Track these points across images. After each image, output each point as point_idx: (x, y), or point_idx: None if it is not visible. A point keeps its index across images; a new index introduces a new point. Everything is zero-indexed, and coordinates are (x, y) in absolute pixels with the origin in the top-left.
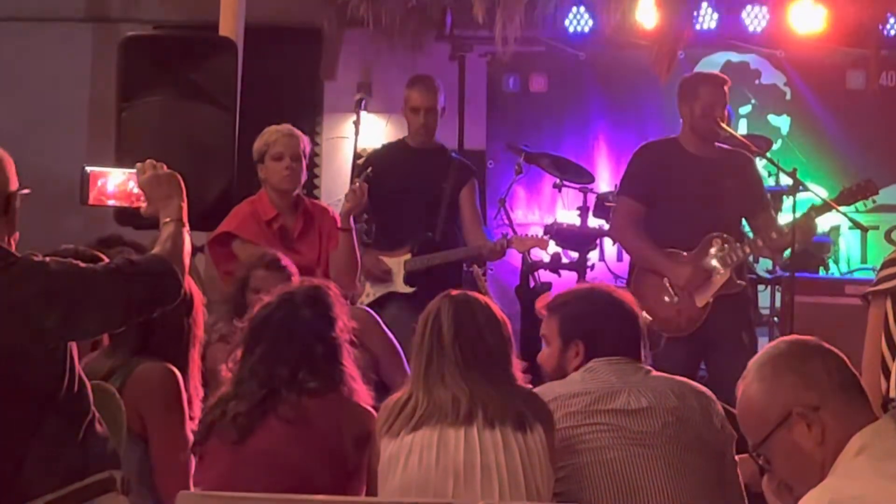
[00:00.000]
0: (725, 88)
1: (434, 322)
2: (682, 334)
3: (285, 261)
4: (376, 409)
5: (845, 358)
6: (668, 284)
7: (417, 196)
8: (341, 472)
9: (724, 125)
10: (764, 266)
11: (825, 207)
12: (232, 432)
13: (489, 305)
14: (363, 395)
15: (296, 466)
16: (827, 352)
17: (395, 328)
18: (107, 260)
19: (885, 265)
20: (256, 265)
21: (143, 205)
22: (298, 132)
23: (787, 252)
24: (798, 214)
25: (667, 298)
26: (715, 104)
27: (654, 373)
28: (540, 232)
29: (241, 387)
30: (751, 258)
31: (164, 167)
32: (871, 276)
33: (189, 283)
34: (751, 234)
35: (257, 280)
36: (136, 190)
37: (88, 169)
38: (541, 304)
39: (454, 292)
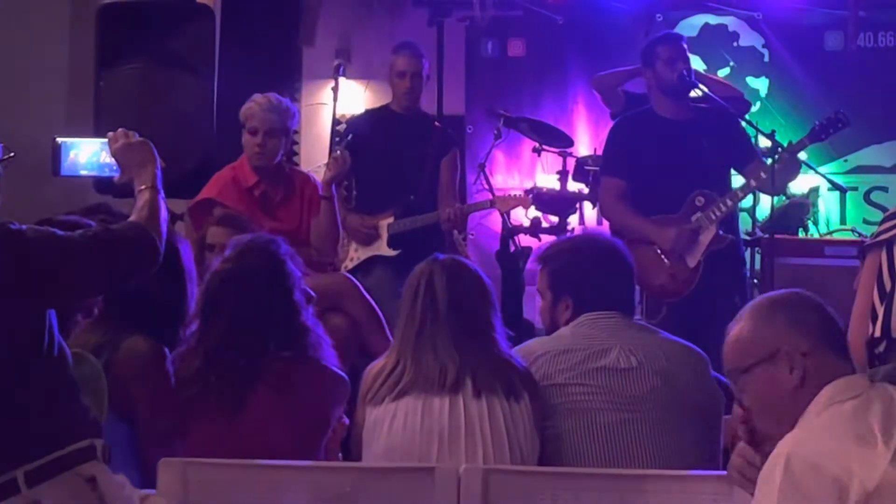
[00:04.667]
0: (682, 44)
1: (427, 288)
2: (679, 298)
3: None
4: (358, 375)
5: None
6: (659, 251)
7: (400, 161)
8: (322, 438)
9: (701, 86)
10: (743, 228)
11: (801, 144)
12: (222, 406)
13: (478, 271)
14: (329, 356)
15: (285, 436)
16: (824, 309)
17: (381, 291)
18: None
19: (883, 220)
20: (211, 222)
21: (117, 174)
22: (286, 106)
23: (777, 199)
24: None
25: (660, 265)
26: (675, 58)
27: (648, 329)
28: None
29: (214, 358)
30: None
31: (136, 135)
32: (851, 236)
33: (185, 257)
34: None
35: (212, 237)
36: (109, 159)
37: (60, 140)
38: (535, 256)
39: (442, 257)
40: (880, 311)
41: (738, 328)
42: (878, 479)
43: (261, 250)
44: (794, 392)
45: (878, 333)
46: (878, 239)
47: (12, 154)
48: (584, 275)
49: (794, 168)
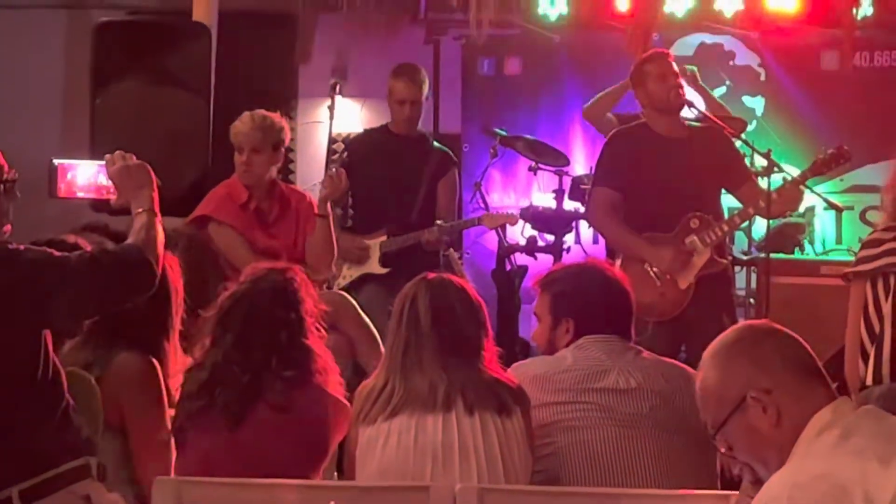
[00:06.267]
0: (670, 60)
1: (411, 307)
2: (666, 318)
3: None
4: (352, 393)
5: (801, 340)
6: (650, 269)
7: (397, 181)
8: (321, 462)
9: (694, 105)
10: (739, 247)
11: (803, 177)
12: (222, 419)
13: (465, 289)
14: (334, 383)
15: (283, 455)
16: (779, 334)
17: (371, 310)
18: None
19: (864, 246)
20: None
21: (114, 196)
22: (270, 122)
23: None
24: (776, 185)
25: (650, 284)
26: (666, 74)
27: (645, 353)
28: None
29: (219, 372)
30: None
31: (134, 158)
32: (847, 256)
33: (171, 274)
34: (737, 207)
35: None
36: (106, 181)
37: (57, 161)
38: (535, 281)
39: (430, 275)
40: (871, 351)
41: (702, 384)
42: (888, 498)
43: (275, 275)
44: (776, 429)
45: (869, 381)
46: (859, 269)
47: (16, 177)
48: (587, 299)
49: (795, 198)
